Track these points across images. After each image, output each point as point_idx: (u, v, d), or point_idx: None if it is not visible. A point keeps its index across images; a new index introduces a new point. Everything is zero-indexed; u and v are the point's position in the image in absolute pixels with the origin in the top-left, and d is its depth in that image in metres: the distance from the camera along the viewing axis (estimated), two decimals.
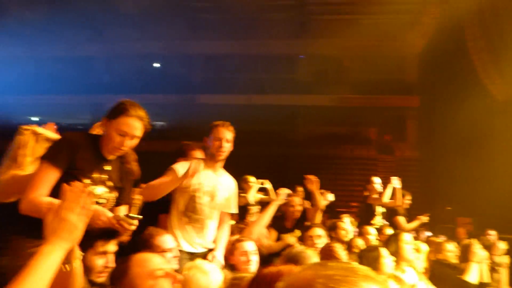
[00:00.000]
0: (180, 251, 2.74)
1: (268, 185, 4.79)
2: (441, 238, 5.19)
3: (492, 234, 6.65)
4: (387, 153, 13.87)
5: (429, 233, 6.88)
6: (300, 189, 5.30)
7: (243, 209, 4.33)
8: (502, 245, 5.36)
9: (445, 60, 11.54)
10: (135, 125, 2.14)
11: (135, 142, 2.18)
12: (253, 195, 4.70)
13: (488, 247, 5.73)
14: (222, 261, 2.92)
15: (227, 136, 2.96)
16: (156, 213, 3.13)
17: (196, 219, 2.98)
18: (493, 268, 5.06)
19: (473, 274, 3.64)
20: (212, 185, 3.01)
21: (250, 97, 13.78)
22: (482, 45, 9.58)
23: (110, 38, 14.80)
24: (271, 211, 3.56)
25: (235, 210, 3.17)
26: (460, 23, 10.36)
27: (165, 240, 2.41)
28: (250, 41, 14.40)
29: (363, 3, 12.56)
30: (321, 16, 13.86)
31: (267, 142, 13.24)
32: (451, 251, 4.04)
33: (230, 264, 2.89)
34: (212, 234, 3.06)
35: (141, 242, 2.30)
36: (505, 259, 5.25)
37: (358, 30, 12.80)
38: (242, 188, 4.49)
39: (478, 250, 3.81)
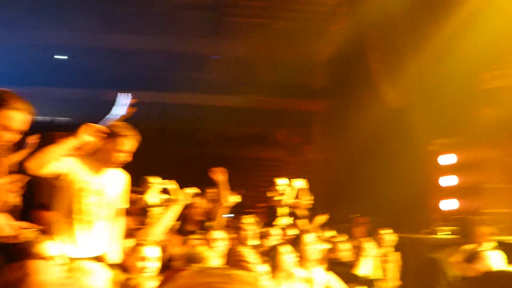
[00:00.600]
0: (66, 257, 2.59)
1: (172, 185, 4.71)
2: (341, 238, 5.48)
3: (387, 233, 7.17)
4: (294, 155, 14.39)
5: (331, 233, 7.24)
6: (210, 190, 5.28)
7: (143, 211, 4.22)
8: (390, 237, 5.79)
9: (349, 68, 12.24)
10: (16, 118, 2.01)
11: (16, 136, 2.05)
12: (152, 196, 4.58)
13: (381, 244, 6.16)
14: (115, 260, 2.80)
15: (132, 148, 2.87)
16: (32, 208, 2.92)
17: (83, 220, 2.83)
18: (384, 262, 5.45)
19: (363, 268, 3.89)
20: (100, 182, 2.89)
21: (161, 95, 13.53)
22: (379, 57, 10.32)
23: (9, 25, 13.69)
24: (172, 212, 3.44)
25: (126, 204, 3.06)
26: (363, 34, 11.06)
27: (47, 247, 2.27)
28: (163, 37, 14.12)
29: (275, 9, 12.93)
30: (235, 18, 14.00)
31: (176, 141, 13.08)
32: (345, 249, 4.29)
33: (124, 266, 2.79)
34: (104, 235, 2.92)
35: (21, 249, 2.16)
36: (394, 255, 5.66)
37: (270, 34, 13.16)
38: (142, 188, 4.37)
39: (369, 246, 4.09)
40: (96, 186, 2.86)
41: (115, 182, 2.97)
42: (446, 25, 9.93)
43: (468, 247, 6.51)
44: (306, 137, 15.04)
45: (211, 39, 14.50)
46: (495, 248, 6.14)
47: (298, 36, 13.36)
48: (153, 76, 14.39)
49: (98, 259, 2.71)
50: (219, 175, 4.10)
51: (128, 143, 2.83)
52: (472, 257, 6.29)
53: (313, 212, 5.95)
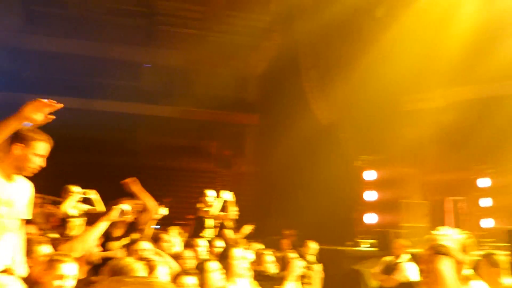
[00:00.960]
0: None
1: (94, 195, 4.53)
2: (268, 250, 5.55)
3: (312, 245, 7.38)
4: (226, 167, 14.42)
5: (257, 245, 7.32)
6: (136, 201, 5.15)
7: (62, 221, 4.03)
8: (315, 249, 5.97)
9: (282, 83, 12.55)
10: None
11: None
12: (71, 206, 4.37)
13: (306, 256, 6.32)
14: (21, 273, 2.63)
15: (46, 153, 2.73)
16: None
17: None
18: (309, 273, 5.59)
19: (289, 281, 3.97)
20: (9, 192, 2.70)
21: (89, 102, 13.03)
22: (311, 74, 10.71)
23: None
24: (100, 227, 3.24)
25: (29, 216, 2.89)
26: (297, 51, 11.43)
27: None
28: (93, 42, 13.62)
29: (210, 21, 12.99)
30: (170, 28, 13.87)
31: (104, 150, 12.64)
32: (271, 262, 4.35)
33: (34, 281, 2.62)
34: (12, 247, 2.74)
35: None
36: (318, 266, 5.84)
37: (205, 46, 13.17)
38: (63, 197, 4.18)
39: (294, 259, 4.19)
40: (5, 196, 2.66)
41: (23, 192, 2.80)
42: (374, 48, 10.51)
43: (387, 259, 6.87)
44: (238, 149, 15.13)
45: (144, 47, 14.24)
46: (411, 260, 6.52)
47: (233, 49, 13.49)
48: (81, 81, 13.84)
49: (6, 271, 2.54)
50: (132, 185, 4.00)
51: (43, 147, 2.67)
52: (391, 268, 6.63)
53: (241, 224, 5.99)
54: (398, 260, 6.57)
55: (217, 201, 5.35)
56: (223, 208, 5.43)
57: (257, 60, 14.48)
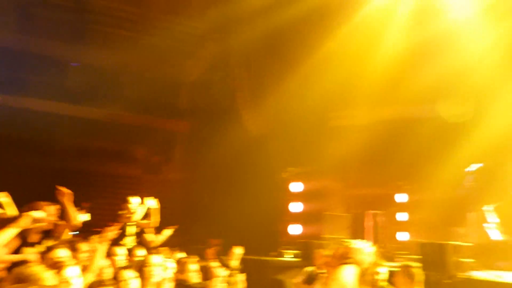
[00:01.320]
0: None
1: (4, 198, 4.24)
2: (190, 259, 5.49)
3: (236, 255, 7.39)
4: (152, 174, 14.10)
5: (180, 254, 7.21)
6: (55, 207, 4.90)
7: None
8: (239, 259, 5.99)
9: (215, 92, 12.56)
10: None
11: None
12: None
13: (230, 266, 6.32)
14: None
15: None
16: None
17: None
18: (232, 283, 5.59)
19: None
20: None
21: (7, 98, 12.21)
22: (243, 85, 10.85)
23: None
24: (7, 234, 3.06)
25: None
26: (231, 61, 11.52)
27: None
28: (16, 35, 12.80)
29: (146, 23, 12.72)
30: (101, 27, 13.39)
31: (21, 150, 11.88)
32: (193, 270, 4.30)
33: None
34: None
35: None
36: (240, 276, 5.86)
37: (138, 48, 12.83)
38: None
39: (217, 268, 4.17)
40: None
41: None
42: (305, 65, 10.86)
43: (309, 269, 7.04)
44: (166, 156, 14.86)
45: (72, 44, 13.58)
46: None
47: (166, 54, 13.29)
48: (1, 77, 12.94)
49: None
50: (64, 196, 3.82)
51: None
52: (312, 278, 6.80)
53: (162, 231, 5.86)
54: (319, 271, 6.74)
55: (141, 208, 5.21)
56: (146, 216, 5.29)
57: (190, 67, 14.37)
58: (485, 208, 10.34)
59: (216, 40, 13.02)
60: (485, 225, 10.33)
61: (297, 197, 12.27)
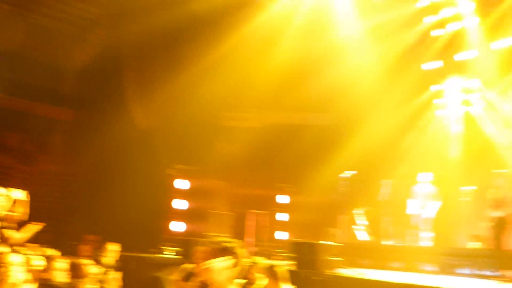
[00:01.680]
0: None
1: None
2: (58, 256, 5.16)
3: (111, 251, 7.14)
4: (26, 164, 12.98)
5: (51, 251, 6.76)
6: None
7: None
8: (114, 256, 5.80)
9: (102, 81, 11.99)
10: None
11: None
12: None
13: (105, 263, 6.10)
14: None
15: None
16: None
17: None
18: (106, 281, 5.40)
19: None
20: None
21: None
22: (133, 77, 10.53)
23: None
24: None
25: None
26: (120, 51, 11.09)
27: None
28: None
29: (34, 1, 11.69)
30: None
31: None
32: (61, 269, 4.07)
33: None
34: None
35: None
36: (115, 274, 5.68)
37: (20, 27, 11.75)
38: None
39: (90, 266, 4.00)
40: None
41: None
42: (198, 63, 10.87)
43: (187, 266, 7.06)
44: (43, 145, 13.77)
45: None
46: None
47: (53, 36, 12.37)
48: None
49: None
50: None
51: None
52: (190, 275, 6.83)
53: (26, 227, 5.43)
54: (197, 267, 6.78)
55: (5, 200, 4.77)
56: (13, 208, 4.87)
57: (78, 52, 13.52)
58: (355, 211, 11.29)
59: (108, 26, 12.42)
60: (354, 226, 11.28)
61: (182, 194, 12.23)
